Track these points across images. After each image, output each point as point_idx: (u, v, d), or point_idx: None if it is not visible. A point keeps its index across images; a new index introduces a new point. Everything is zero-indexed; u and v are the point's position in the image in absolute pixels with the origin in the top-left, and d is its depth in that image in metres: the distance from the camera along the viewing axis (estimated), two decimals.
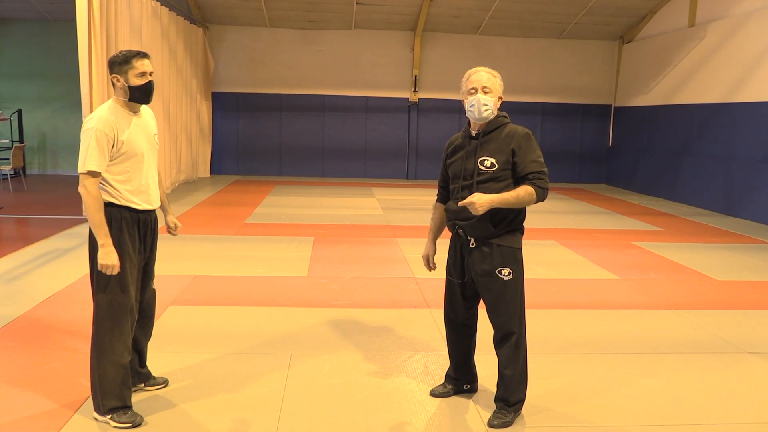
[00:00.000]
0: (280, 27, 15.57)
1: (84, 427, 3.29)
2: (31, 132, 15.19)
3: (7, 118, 13.95)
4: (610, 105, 16.45)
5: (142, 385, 3.68)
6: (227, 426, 3.34)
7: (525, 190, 3.24)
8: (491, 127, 3.36)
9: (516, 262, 3.36)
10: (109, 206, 3.26)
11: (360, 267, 6.81)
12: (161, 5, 11.65)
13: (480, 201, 3.16)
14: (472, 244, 3.36)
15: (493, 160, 3.30)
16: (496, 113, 3.35)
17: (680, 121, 13.14)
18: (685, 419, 3.57)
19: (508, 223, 3.33)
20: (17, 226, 9.09)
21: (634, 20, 15.13)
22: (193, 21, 14.01)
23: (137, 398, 3.56)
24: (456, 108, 15.77)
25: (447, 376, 3.81)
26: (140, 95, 3.34)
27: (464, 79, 3.36)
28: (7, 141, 14.25)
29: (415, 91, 15.88)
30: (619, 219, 10.68)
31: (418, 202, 11.92)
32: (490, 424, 3.41)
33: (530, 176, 3.27)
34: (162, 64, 11.74)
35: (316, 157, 16.12)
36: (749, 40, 11.11)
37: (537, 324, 5.10)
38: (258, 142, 15.98)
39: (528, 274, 6.67)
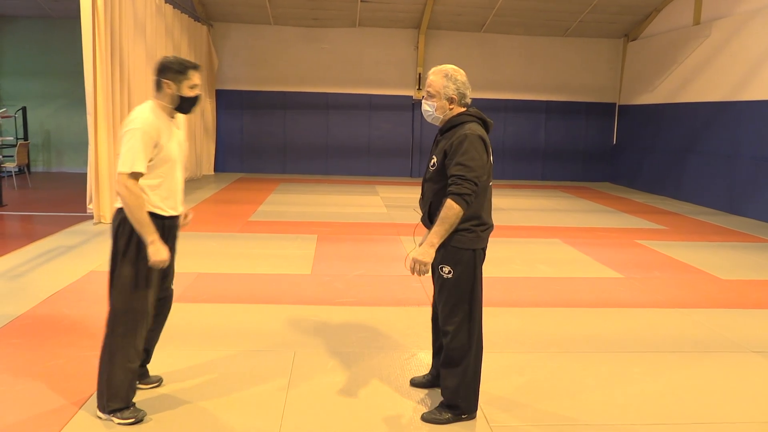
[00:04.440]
0: (284, 25, 15.57)
1: (88, 423, 3.30)
2: (36, 129, 15.22)
3: (11, 115, 13.97)
4: (615, 103, 16.41)
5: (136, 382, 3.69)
6: (230, 423, 3.34)
7: (444, 209, 3.11)
8: (446, 126, 3.34)
9: (457, 262, 3.25)
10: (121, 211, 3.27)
11: (363, 265, 6.81)
12: (165, 3, 11.65)
13: (418, 259, 3.20)
14: None
15: (435, 160, 3.31)
16: (446, 114, 3.32)
17: (685, 119, 13.11)
18: (689, 418, 3.56)
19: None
20: (21, 223, 9.11)
21: (639, 18, 15.09)
22: (197, 18, 14.02)
23: (141, 397, 3.56)
24: None
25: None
26: (188, 106, 3.36)
27: None
28: (12, 138, 14.27)
29: (419, 89, 15.86)
30: (623, 217, 10.66)
31: None
32: (422, 417, 3.45)
33: (450, 181, 3.16)
34: None
35: (319, 155, 16.12)
36: (754, 38, 11.08)
37: (541, 322, 5.10)
38: (262, 139, 15.99)
39: (532, 272, 6.70)
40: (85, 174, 9.01)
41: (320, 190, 13.18)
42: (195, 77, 3.29)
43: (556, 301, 5.74)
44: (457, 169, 3.13)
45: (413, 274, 3.22)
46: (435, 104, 3.31)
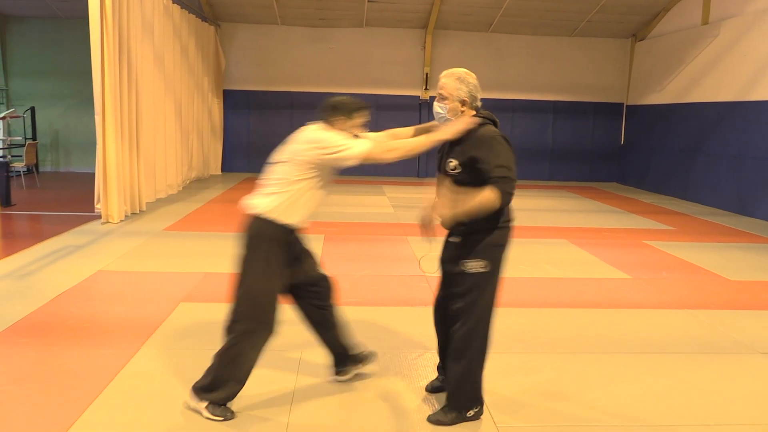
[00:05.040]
0: (291, 25, 15.59)
1: (94, 423, 3.31)
2: (44, 129, 15.28)
3: (20, 115, 14.04)
4: (622, 103, 16.36)
5: (360, 365, 3.88)
6: (237, 424, 3.35)
7: (485, 198, 3.12)
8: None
9: (494, 257, 3.34)
10: (268, 222, 3.33)
11: (370, 265, 6.81)
12: (173, 3, 11.68)
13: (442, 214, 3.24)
14: None
15: (457, 162, 3.31)
16: (457, 116, 3.35)
17: (693, 119, 13.05)
18: (696, 419, 3.55)
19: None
20: (30, 222, 9.15)
21: (647, 18, 15.03)
22: (204, 19, 14.05)
23: (139, 400, 3.57)
24: None
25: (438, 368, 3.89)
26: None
27: None
28: (20, 138, 14.33)
29: (426, 89, 15.85)
30: (631, 218, 10.63)
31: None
32: (428, 418, 3.47)
33: (493, 180, 3.14)
34: (174, 62, 11.79)
35: None
36: (763, 38, 11.01)
37: (547, 323, 5.09)
38: (269, 139, 15.83)
39: (538, 272, 6.69)
40: (93, 174, 9.04)
41: (326, 189, 13.17)
42: (364, 116, 3.50)
43: (563, 301, 5.73)
44: (501, 171, 3.14)
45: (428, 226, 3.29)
46: (447, 106, 3.35)
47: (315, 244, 7.67)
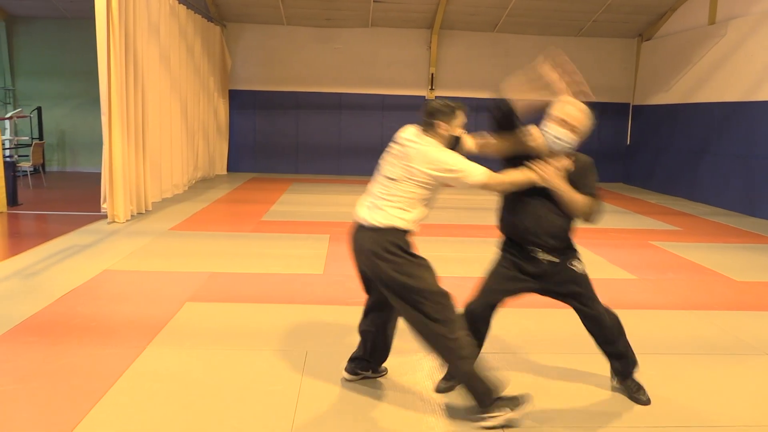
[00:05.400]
0: (297, 25, 15.60)
1: (100, 423, 3.32)
2: (51, 129, 15.33)
3: (26, 115, 14.09)
4: (629, 103, 16.31)
5: (370, 372, 3.89)
6: (242, 423, 3.35)
7: (589, 203, 3.49)
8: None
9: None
10: (397, 232, 3.41)
11: None
12: (179, 3, 11.71)
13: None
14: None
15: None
16: (569, 148, 3.50)
17: (700, 119, 13.00)
18: (703, 421, 3.53)
19: None
20: (36, 222, 9.18)
21: (653, 18, 14.99)
22: (210, 19, 14.08)
23: (154, 398, 3.57)
24: (472, 106, 15.62)
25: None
26: (456, 142, 3.52)
27: (557, 105, 3.51)
28: (27, 138, 14.39)
29: (431, 89, 15.84)
30: (637, 218, 10.60)
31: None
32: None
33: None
34: (180, 63, 11.81)
35: (332, 155, 16.13)
36: None
37: (553, 323, 5.07)
38: (275, 139, 16.03)
39: None
40: (99, 174, 9.07)
41: (332, 190, 13.20)
42: (462, 116, 3.51)
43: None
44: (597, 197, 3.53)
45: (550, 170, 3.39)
46: (575, 139, 3.47)
47: (320, 244, 7.71)
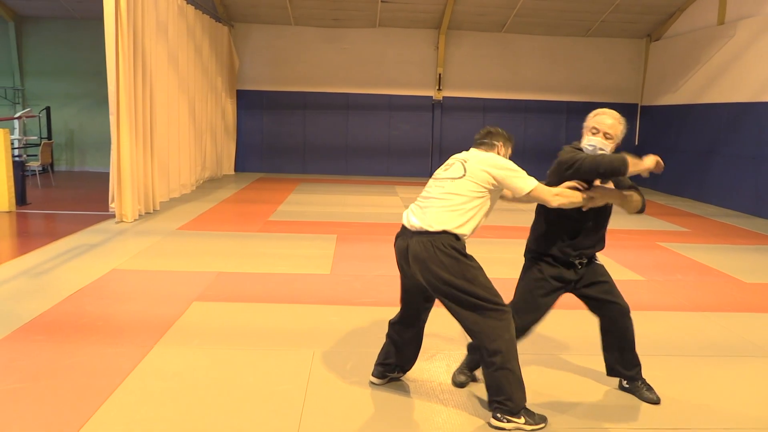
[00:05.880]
0: (304, 25, 15.62)
1: (107, 421, 3.33)
2: (59, 129, 15.42)
3: (35, 115, 14.16)
4: (637, 104, 16.25)
5: (396, 373, 3.91)
6: (249, 422, 3.36)
7: (638, 198, 3.86)
8: None
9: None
10: (454, 236, 3.42)
11: (383, 265, 6.80)
12: (187, 4, 11.74)
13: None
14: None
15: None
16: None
17: (708, 120, 12.94)
18: (711, 423, 3.51)
19: None
20: (45, 221, 9.23)
21: (662, 18, 14.93)
22: (218, 19, 14.11)
23: (157, 396, 3.58)
24: (480, 106, 15.70)
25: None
26: None
27: (590, 116, 3.70)
28: (36, 137, 14.47)
29: (439, 89, 15.83)
30: (645, 219, 10.56)
31: None
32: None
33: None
34: (188, 63, 11.84)
35: (339, 155, 16.15)
36: None
37: (560, 325, 5.05)
38: (282, 139, 16.05)
39: None
40: (108, 173, 9.11)
41: (339, 190, 13.20)
42: (512, 148, 3.76)
43: (575, 303, 5.68)
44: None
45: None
46: (611, 146, 3.63)
47: (327, 244, 7.72)
